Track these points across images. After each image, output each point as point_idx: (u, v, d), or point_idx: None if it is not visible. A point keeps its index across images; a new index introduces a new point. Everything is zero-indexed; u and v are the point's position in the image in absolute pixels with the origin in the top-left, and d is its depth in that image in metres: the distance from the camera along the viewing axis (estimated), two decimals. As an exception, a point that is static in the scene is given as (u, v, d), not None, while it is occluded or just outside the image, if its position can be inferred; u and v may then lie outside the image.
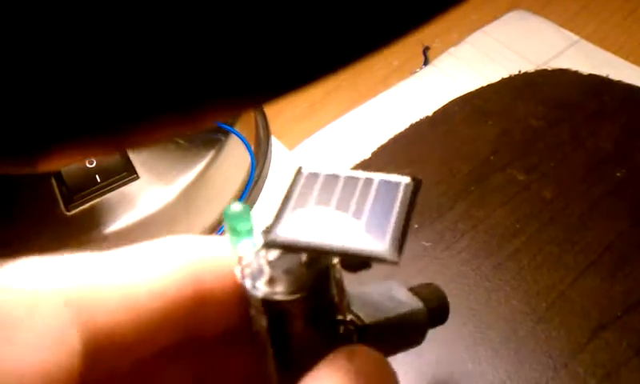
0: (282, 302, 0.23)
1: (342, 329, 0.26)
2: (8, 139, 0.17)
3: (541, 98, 0.55)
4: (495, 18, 0.73)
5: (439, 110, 0.56)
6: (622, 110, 0.53)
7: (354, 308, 0.28)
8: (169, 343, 0.23)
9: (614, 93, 0.55)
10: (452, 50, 0.67)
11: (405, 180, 0.26)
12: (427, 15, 0.18)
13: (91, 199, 0.54)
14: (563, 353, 0.39)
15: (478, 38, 0.69)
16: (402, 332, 0.33)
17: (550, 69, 0.59)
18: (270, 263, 0.24)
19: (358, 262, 0.24)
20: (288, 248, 0.23)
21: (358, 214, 0.24)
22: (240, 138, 0.57)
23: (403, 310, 0.32)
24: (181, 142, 0.55)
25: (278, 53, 0.17)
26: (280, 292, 0.24)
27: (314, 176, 0.26)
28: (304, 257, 0.24)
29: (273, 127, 0.67)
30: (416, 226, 0.45)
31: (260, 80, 0.18)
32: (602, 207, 0.46)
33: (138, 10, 0.14)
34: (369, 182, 0.26)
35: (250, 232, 0.23)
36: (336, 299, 0.26)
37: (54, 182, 0.53)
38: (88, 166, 0.54)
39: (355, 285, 0.28)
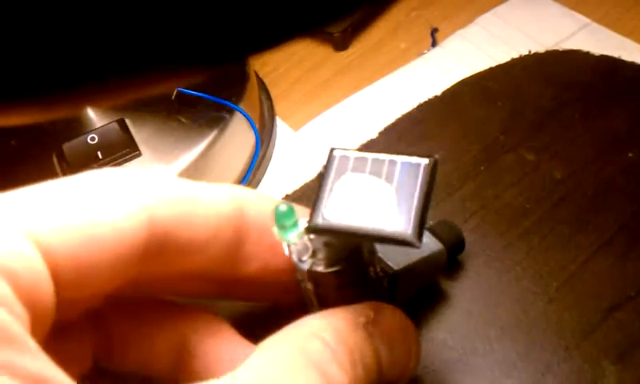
0: (324, 273, 0.28)
1: (373, 278, 0.30)
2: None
3: (552, 79, 0.54)
4: (504, 0, 0.72)
5: (448, 89, 0.55)
6: (634, 91, 0.52)
7: (381, 255, 0.33)
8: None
9: (626, 74, 0.54)
10: (461, 31, 0.66)
11: (424, 161, 0.29)
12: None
13: (92, 176, 0.53)
14: (575, 333, 0.38)
15: (487, 19, 0.68)
16: (425, 273, 0.37)
17: (561, 49, 0.58)
18: (311, 240, 0.28)
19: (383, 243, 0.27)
20: (327, 233, 0.27)
21: (386, 195, 0.27)
22: (245, 116, 0.56)
23: (425, 253, 0.35)
24: (183, 120, 0.54)
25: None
26: (322, 264, 0.28)
27: (345, 159, 0.29)
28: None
29: (278, 109, 0.66)
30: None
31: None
32: (614, 188, 0.45)
33: None
34: (392, 163, 0.29)
35: (295, 225, 0.27)
36: (368, 260, 0.30)
37: (54, 157, 0.52)
38: (89, 142, 0.53)
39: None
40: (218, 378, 0.23)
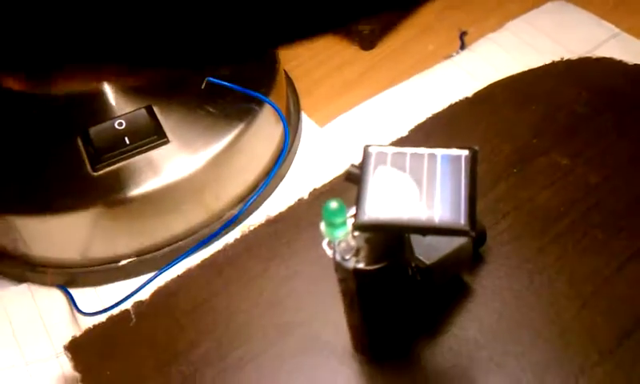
0: (369, 270, 0.29)
1: (409, 272, 0.32)
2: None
3: (585, 85, 0.54)
4: (534, 7, 0.71)
5: (480, 91, 0.54)
6: (669, 101, 0.51)
7: (415, 250, 0.33)
8: None
9: (661, 83, 0.53)
10: (491, 35, 0.66)
11: (465, 152, 0.30)
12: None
13: (118, 161, 0.53)
14: (609, 339, 0.38)
15: (518, 25, 0.67)
16: (454, 265, 0.38)
17: (593, 57, 0.58)
18: (355, 237, 0.29)
19: (436, 234, 0.28)
20: (375, 228, 0.27)
21: (430, 188, 0.28)
22: (276, 109, 0.55)
23: (454, 246, 0.36)
24: (212, 110, 0.54)
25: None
26: (365, 262, 0.29)
27: (382, 154, 0.29)
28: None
29: (304, 105, 0.66)
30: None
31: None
32: (649, 195, 0.45)
33: None
34: (432, 157, 0.29)
35: (344, 223, 0.27)
36: (407, 257, 0.31)
37: (79, 140, 0.51)
38: (117, 127, 0.52)
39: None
40: None
